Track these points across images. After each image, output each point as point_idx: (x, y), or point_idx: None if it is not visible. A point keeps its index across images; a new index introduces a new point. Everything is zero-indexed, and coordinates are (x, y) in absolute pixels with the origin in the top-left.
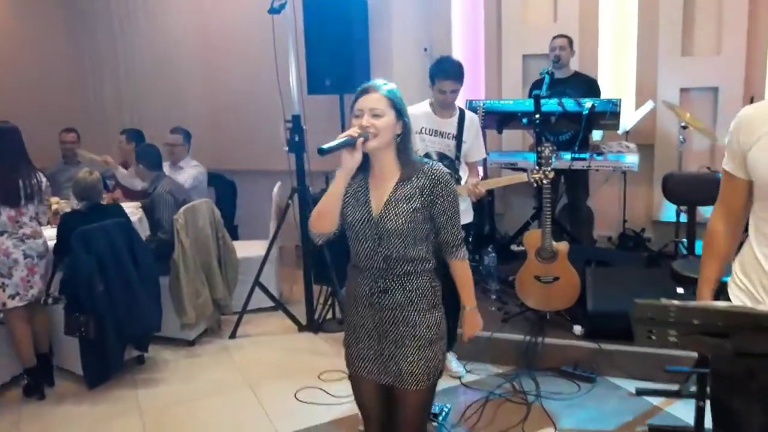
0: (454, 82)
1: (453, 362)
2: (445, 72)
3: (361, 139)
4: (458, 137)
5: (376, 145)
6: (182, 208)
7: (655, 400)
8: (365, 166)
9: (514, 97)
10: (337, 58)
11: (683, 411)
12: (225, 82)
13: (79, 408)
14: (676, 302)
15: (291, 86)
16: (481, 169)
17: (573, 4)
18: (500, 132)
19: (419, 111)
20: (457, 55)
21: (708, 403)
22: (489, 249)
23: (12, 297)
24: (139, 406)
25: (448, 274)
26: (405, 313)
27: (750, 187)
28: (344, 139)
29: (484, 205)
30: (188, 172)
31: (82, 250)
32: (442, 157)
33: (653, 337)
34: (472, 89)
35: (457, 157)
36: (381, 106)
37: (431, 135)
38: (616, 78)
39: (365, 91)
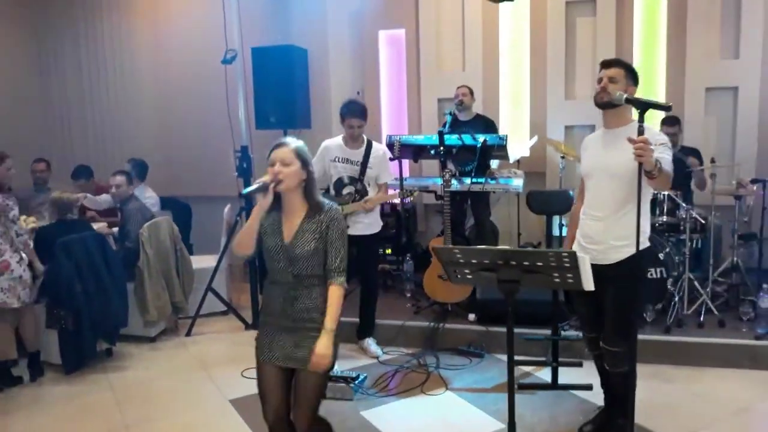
0: (360, 120)
1: (372, 346)
2: (353, 111)
3: (272, 185)
4: (363, 164)
5: (285, 188)
6: (146, 224)
7: (529, 368)
8: (279, 204)
9: (431, 133)
10: (281, 99)
11: (547, 374)
12: (182, 119)
13: (59, 387)
14: (458, 247)
15: (240, 122)
16: (394, 192)
17: (477, 57)
18: (416, 161)
19: (334, 144)
20: (383, 96)
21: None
22: (407, 257)
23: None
24: (111, 385)
25: (368, 277)
26: (311, 314)
27: None
28: (259, 184)
29: (402, 221)
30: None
31: (63, 256)
32: (353, 180)
33: (458, 276)
34: (397, 126)
35: (361, 180)
36: (289, 157)
37: (343, 162)
38: (513, 117)
39: (278, 146)
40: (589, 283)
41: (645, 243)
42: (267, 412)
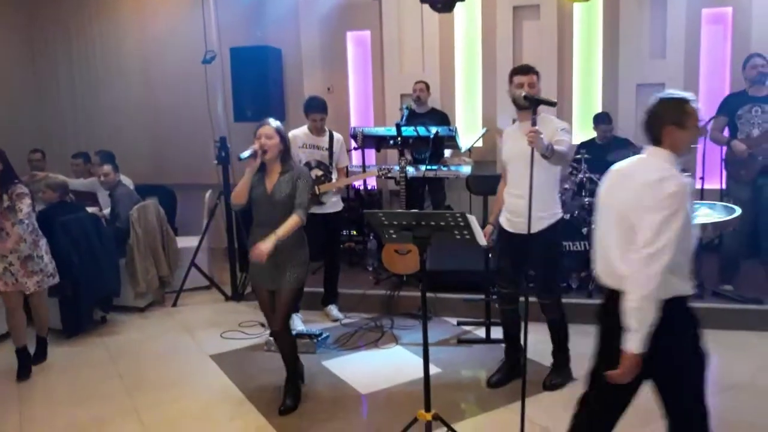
0: (322, 113)
1: (334, 311)
2: (315, 108)
3: (260, 151)
4: (329, 149)
5: (269, 157)
6: (136, 206)
7: (469, 328)
8: (263, 167)
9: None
10: (257, 94)
11: (483, 332)
12: (166, 113)
13: (60, 348)
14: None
15: (219, 115)
16: (358, 174)
17: (435, 58)
18: (378, 151)
19: (301, 132)
20: (351, 92)
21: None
22: (371, 236)
23: None
24: (106, 345)
25: (333, 253)
26: (286, 248)
27: None
28: (251, 151)
29: (366, 205)
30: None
31: (62, 234)
32: (319, 164)
33: (386, 236)
34: (364, 118)
35: (330, 163)
36: (271, 133)
37: (310, 149)
38: (467, 112)
39: (263, 125)
40: (481, 239)
41: (560, 213)
42: (268, 319)
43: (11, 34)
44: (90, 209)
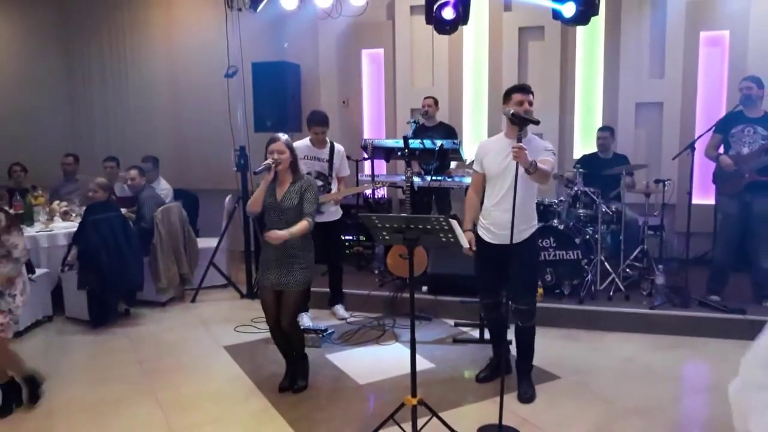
0: (323, 127)
1: (340, 310)
2: (316, 121)
3: (273, 165)
4: (330, 161)
5: (281, 169)
6: (160, 208)
7: (465, 329)
8: (275, 177)
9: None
10: (277, 106)
11: (478, 333)
12: (190, 122)
13: (87, 336)
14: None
15: (239, 125)
16: (360, 186)
17: (444, 73)
18: (387, 161)
19: (303, 144)
20: (365, 105)
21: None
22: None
23: None
24: (128, 335)
25: (335, 256)
26: (294, 251)
27: (484, 177)
28: (266, 166)
29: (374, 211)
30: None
31: (93, 232)
32: (320, 174)
33: (380, 237)
34: (376, 130)
35: (330, 174)
36: (282, 148)
37: (311, 160)
38: (474, 125)
39: (273, 141)
40: (463, 242)
41: (537, 225)
42: (268, 319)
43: (48, 45)
44: (123, 210)
